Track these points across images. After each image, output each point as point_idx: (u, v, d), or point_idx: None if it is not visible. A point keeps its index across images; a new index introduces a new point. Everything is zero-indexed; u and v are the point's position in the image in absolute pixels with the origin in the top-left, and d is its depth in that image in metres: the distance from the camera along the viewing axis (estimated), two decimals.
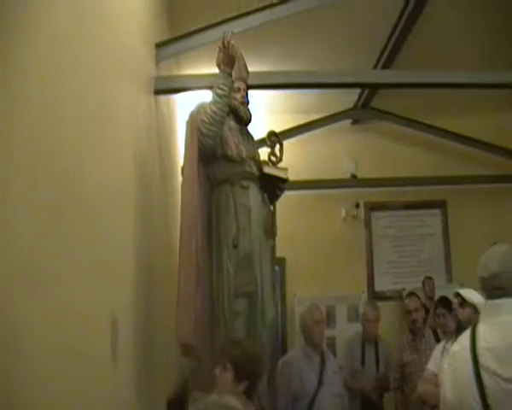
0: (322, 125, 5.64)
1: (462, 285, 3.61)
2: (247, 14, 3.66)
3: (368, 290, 5.54)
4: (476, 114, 5.53)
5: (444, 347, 3.00)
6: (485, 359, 1.80)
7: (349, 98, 5.35)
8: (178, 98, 4.16)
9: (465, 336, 1.96)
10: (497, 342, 1.82)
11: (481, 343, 1.84)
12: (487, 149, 5.71)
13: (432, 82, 3.67)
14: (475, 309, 2.74)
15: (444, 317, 3.30)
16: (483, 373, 1.78)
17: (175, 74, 3.61)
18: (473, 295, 2.85)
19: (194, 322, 2.37)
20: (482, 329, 1.89)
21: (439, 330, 3.53)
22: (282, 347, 4.87)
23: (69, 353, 1.43)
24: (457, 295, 2.91)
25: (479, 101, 4.56)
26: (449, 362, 2.02)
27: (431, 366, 3.00)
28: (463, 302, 2.84)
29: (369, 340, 4.14)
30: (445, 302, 3.37)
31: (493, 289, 1.93)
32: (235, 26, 3.55)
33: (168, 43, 3.47)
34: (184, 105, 3.89)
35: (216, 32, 3.30)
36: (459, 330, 2.71)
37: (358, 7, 3.99)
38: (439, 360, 2.87)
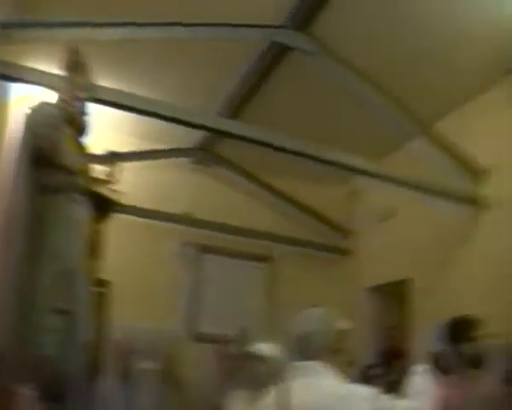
0: (162, 157, 5.79)
1: (276, 340, 3.90)
2: (105, 25, 3.74)
3: (190, 331, 5.63)
4: (313, 181, 6.12)
5: (245, 398, 3.25)
6: None
7: (194, 138, 5.60)
8: (15, 88, 3.98)
9: (273, 392, 2.07)
10: (305, 402, 1.94)
11: (291, 402, 1.94)
12: (317, 218, 6.34)
13: (268, 142, 4.01)
14: (276, 364, 3.02)
15: (252, 368, 3.55)
16: None
17: (13, 62, 3.47)
18: (272, 351, 3.15)
19: (1, 332, 2.27)
20: (292, 387, 1.99)
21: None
22: (97, 372, 4.73)
23: None
24: (256, 350, 3.20)
25: (318, 170, 5.06)
26: None
27: None
28: (262, 357, 3.12)
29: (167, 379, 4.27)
30: (253, 356, 3.64)
31: (303, 350, 2.08)
32: (89, 33, 3.61)
33: (11, 27, 3.35)
34: (20, 98, 3.75)
35: (68, 32, 3.30)
36: (259, 383, 2.99)
37: (221, 48, 4.28)
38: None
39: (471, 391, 2.69)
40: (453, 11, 3.87)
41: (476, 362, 2.83)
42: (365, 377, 4.23)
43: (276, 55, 4.39)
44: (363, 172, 4.49)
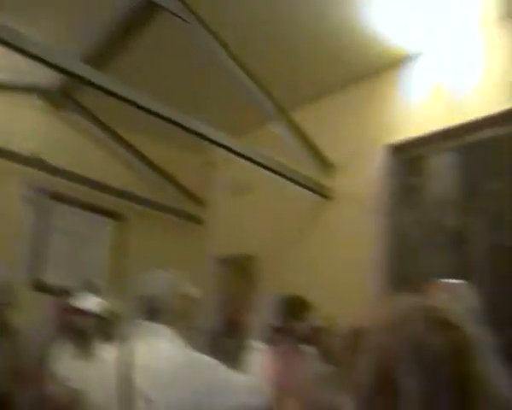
0: (12, 91, 5.36)
1: (121, 298, 3.77)
2: None
3: (29, 279, 5.34)
4: (172, 146, 6.05)
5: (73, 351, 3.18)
6: (139, 379, 1.87)
7: (52, 79, 5.23)
8: None
9: (113, 349, 2.05)
10: (145, 363, 1.92)
11: (136, 362, 1.91)
12: (172, 182, 6.30)
13: (123, 95, 3.81)
14: (98, 318, 2.98)
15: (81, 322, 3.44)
16: (132, 392, 1.86)
17: None
18: (93, 304, 3.09)
19: None
20: (137, 348, 1.98)
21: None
22: None
23: None
24: (86, 304, 3.12)
25: (177, 135, 4.97)
26: (96, 370, 2.13)
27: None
28: (82, 311, 3.06)
29: None
30: (83, 310, 3.53)
31: (150, 311, 2.08)
32: None
33: None
34: None
35: None
36: (87, 338, 2.92)
37: None
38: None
39: (300, 366, 2.91)
40: (322, 4, 4.03)
41: (306, 340, 3.06)
42: (209, 346, 4.36)
43: (146, 11, 4.26)
44: (219, 144, 4.50)
